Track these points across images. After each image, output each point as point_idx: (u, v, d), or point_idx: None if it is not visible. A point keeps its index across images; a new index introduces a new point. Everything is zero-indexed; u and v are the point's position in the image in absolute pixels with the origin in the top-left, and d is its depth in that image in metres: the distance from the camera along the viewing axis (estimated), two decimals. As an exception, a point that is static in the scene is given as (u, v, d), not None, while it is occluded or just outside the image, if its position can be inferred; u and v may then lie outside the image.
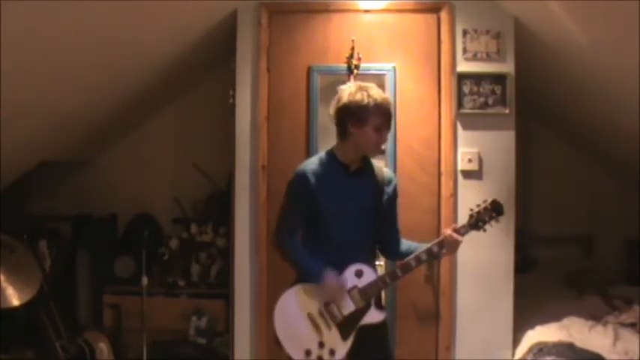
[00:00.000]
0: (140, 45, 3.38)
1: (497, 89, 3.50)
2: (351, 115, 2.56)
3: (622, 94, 3.22)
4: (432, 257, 2.63)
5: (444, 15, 3.51)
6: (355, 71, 3.35)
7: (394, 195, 2.72)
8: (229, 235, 4.00)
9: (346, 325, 2.55)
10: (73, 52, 2.95)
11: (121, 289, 4.23)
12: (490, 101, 3.51)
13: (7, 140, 3.15)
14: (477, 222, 2.56)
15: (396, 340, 3.35)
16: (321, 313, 2.56)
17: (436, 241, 2.59)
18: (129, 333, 4.08)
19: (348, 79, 3.30)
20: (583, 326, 3.43)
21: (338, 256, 2.58)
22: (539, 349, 3.17)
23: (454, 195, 3.49)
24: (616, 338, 3.27)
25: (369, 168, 2.69)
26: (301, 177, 2.62)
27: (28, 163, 3.90)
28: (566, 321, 3.48)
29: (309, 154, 3.43)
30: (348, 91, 2.59)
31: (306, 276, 2.60)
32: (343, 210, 2.60)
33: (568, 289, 4.21)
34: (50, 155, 3.98)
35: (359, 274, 2.58)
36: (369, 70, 3.44)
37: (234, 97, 3.63)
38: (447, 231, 2.58)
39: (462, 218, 2.77)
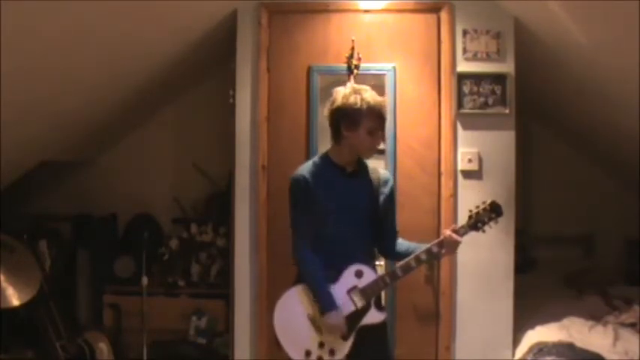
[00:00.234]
0: (140, 45, 3.38)
1: (497, 89, 3.49)
2: (343, 118, 2.56)
3: (622, 94, 3.22)
4: (432, 257, 2.64)
5: (444, 15, 3.50)
6: (355, 71, 3.35)
7: (391, 195, 2.72)
8: (229, 235, 4.00)
9: (346, 326, 2.54)
10: (73, 52, 2.95)
11: (121, 289, 4.23)
12: (490, 101, 3.51)
13: (7, 140, 3.15)
14: (475, 223, 2.57)
15: (396, 340, 3.35)
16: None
17: (436, 241, 2.60)
18: (129, 333, 4.08)
19: (348, 79, 3.30)
20: (583, 326, 3.43)
21: (337, 257, 2.58)
22: (539, 349, 3.17)
23: (454, 195, 3.49)
24: (616, 338, 3.27)
25: (365, 169, 2.69)
26: (299, 180, 2.61)
27: (28, 163, 3.90)
28: (566, 321, 3.48)
29: (309, 154, 3.43)
30: (341, 93, 2.59)
31: (315, 298, 2.58)
32: (341, 211, 2.60)
33: (568, 289, 4.21)
34: (50, 155, 3.98)
35: (359, 274, 2.58)
36: (369, 70, 3.44)
37: (234, 97, 3.63)
38: (447, 231, 2.60)
39: (462, 218, 2.76)
